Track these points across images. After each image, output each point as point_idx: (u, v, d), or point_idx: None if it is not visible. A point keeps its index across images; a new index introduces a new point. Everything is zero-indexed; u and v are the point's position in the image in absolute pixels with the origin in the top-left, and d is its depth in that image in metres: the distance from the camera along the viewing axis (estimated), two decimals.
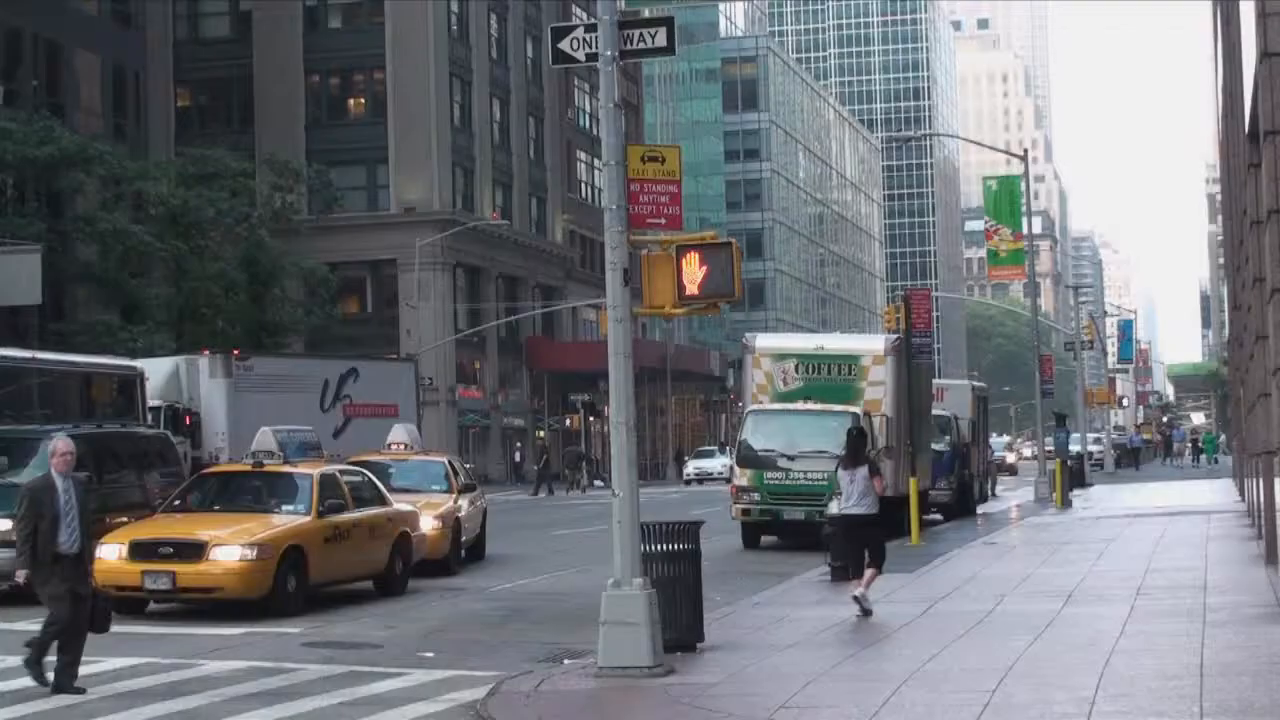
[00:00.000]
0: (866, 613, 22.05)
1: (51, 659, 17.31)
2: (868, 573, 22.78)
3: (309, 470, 27.31)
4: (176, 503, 27.29)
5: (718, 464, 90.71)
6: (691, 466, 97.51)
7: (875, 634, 20.71)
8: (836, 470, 24.30)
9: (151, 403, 48.39)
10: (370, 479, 29.17)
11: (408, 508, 29.38)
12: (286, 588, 24.66)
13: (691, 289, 18.75)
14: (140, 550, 24.44)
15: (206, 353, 52.79)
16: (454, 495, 33.36)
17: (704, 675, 17.54)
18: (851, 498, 23.42)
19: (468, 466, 43.48)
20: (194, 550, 24.31)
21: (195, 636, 22.11)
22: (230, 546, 24.31)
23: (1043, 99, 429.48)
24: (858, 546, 23.55)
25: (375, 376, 59.27)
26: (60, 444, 17.46)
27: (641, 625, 17.54)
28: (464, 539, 33.34)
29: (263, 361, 54.16)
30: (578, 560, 33.93)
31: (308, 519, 25.74)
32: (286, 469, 27.51)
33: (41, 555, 17.03)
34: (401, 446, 35.42)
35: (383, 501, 28.51)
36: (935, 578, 28.81)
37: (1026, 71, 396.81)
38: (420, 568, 29.89)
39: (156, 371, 49.85)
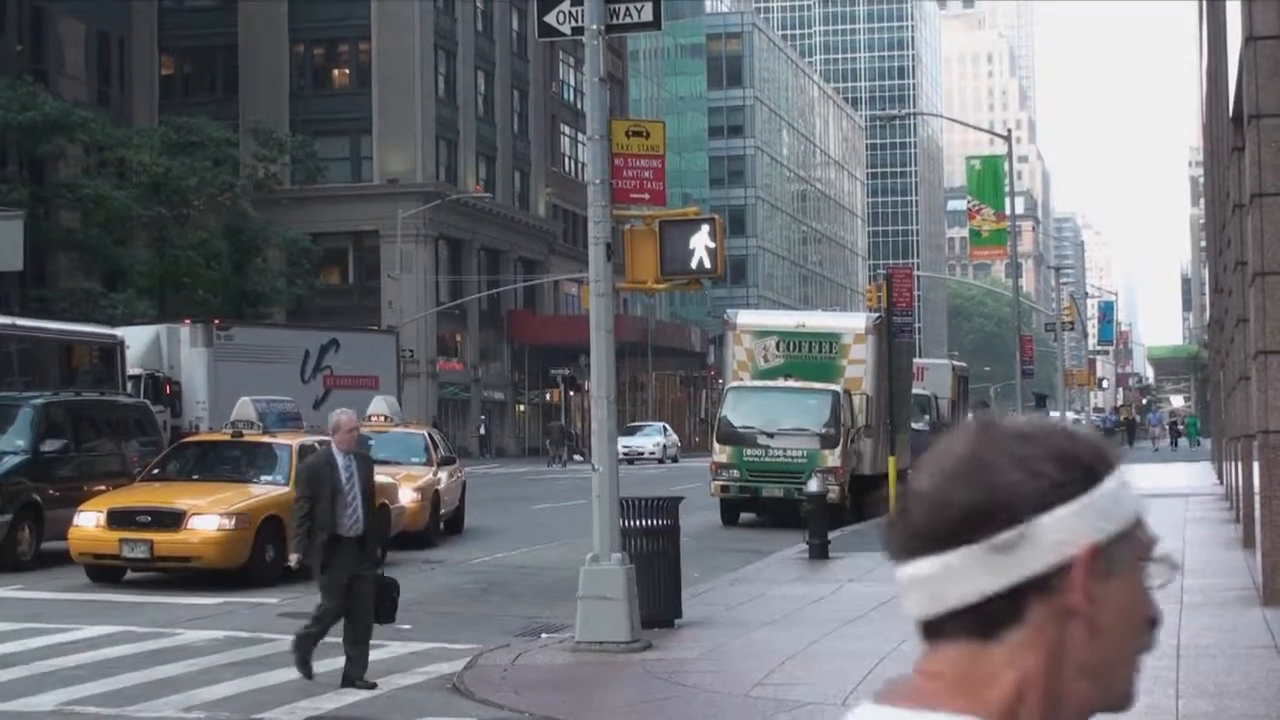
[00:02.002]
0: None
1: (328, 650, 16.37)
2: None
3: (288, 440, 27.14)
4: (155, 472, 27.17)
5: (650, 441, 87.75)
6: (619, 444, 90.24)
7: (853, 612, 20.73)
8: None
9: (132, 371, 48.30)
10: None
11: (386, 480, 28.85)
12: (264, 558, 24.54)
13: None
14: (118, 518, 24.37)
15: (188, 322, 52.65)
16: (433, 468, 33.40)
17: (682, 651, 17.55)
18: None
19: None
20: (172, 519, 24.26)
21: (173, 605, 22.10)
22: (208, 516, 24.29)
23: (1027, 79, 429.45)
24: None
25: (356, 348, 59.19)
26: (343, 419, 16.34)
27: (620, 600, 17.56)
28: (443, 511, 33.40)
29: (243, 331, 54.06)
30: (556, 535, 33.93)
31: (286, 489, 24.97)
32: (265, 439, 27.34)
33: (318, 537, 15.85)
34: (381, 418, 35.33)
35: None
36: None
37: (1011, 51, 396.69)
38: (399, 540, 29.91)
39: (137, 340, 49.77)
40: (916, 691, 2.03)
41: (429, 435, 35.58)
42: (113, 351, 44.03)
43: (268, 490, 25.67)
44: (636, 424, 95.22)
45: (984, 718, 1.94)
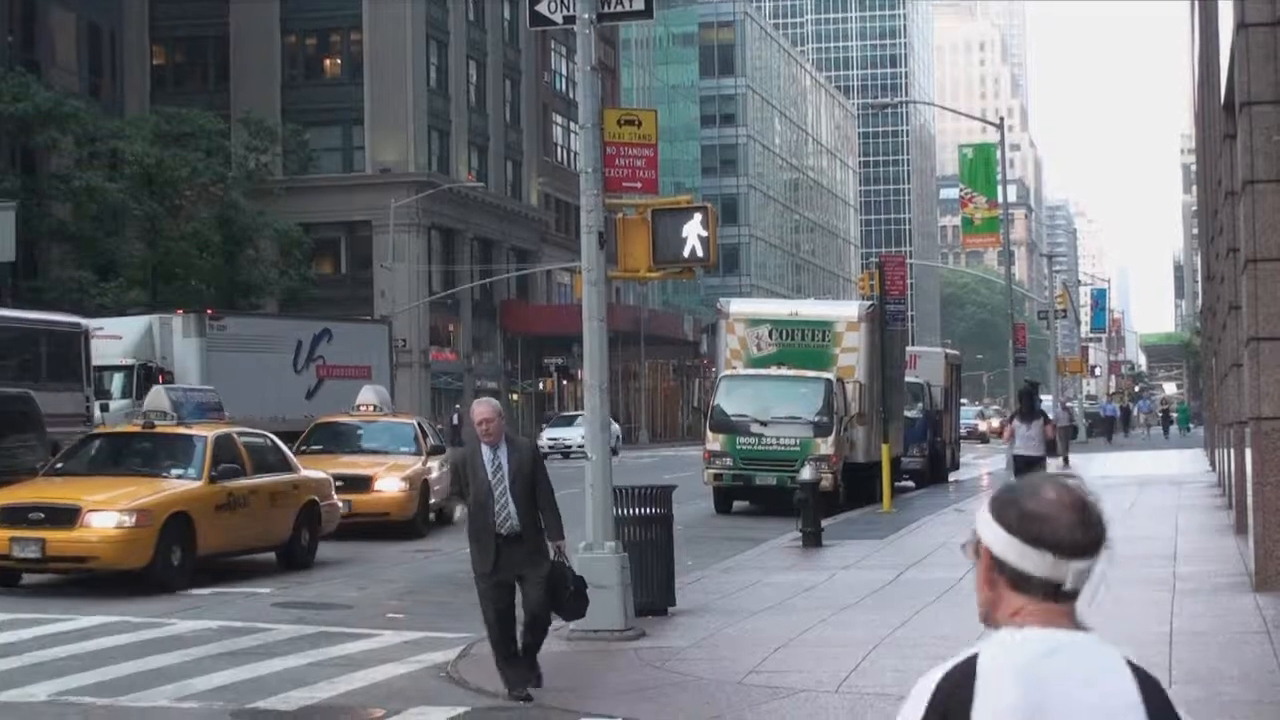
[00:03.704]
0: None
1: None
2: None
3: (202, 432, 25.15)
4: (59, 465, 25.40)
5: (579, 434, 76.06)
6: (545, 436, 77.57)
7: (846, 600, 20.74)
8: (1013, 419, 32.05)
9: (124, 361, 48.21)
10: (275, 443, 27.44)
11: (319, 474, 27.99)
12: (170, 558, 22.75)
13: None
14: (9, 515, 22.51)
15: (181, 312, 52.48)
16: (423, 457, 33.25)
17: (675, 639, 17.57)
18: (1030, 442, 30.30)
19: (439, 429, 43.35)
20: (66, 516, 22.32)
21: (168, 595, 22.07)
22: (106, 513, 22.41)
23: (1019, 67, 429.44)
24: None
25: (349, 337, 59.06)
26: (479, 409, 14.68)
27: (613, 589, 17.57)
28: (432, 501, 33.22)
29: (236, 321, 53.88)
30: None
31: (198, 484, 23.88)
32: (178, 430, 25.27)
33: (474, 538, 14.72)
34: (370, 408, 35.23)
35: (289, 467, 26.78)
36: (907, 544, 28.87)
37: (1003, 39, 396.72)
38: (388, 530, 30.36)
39: (130, 330, 49.68)
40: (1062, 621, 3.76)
41: (419, 425, 35.45)
42: (75, 340, 43.64)
43: (178, 485, 23.86)
44: (570, 413, 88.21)
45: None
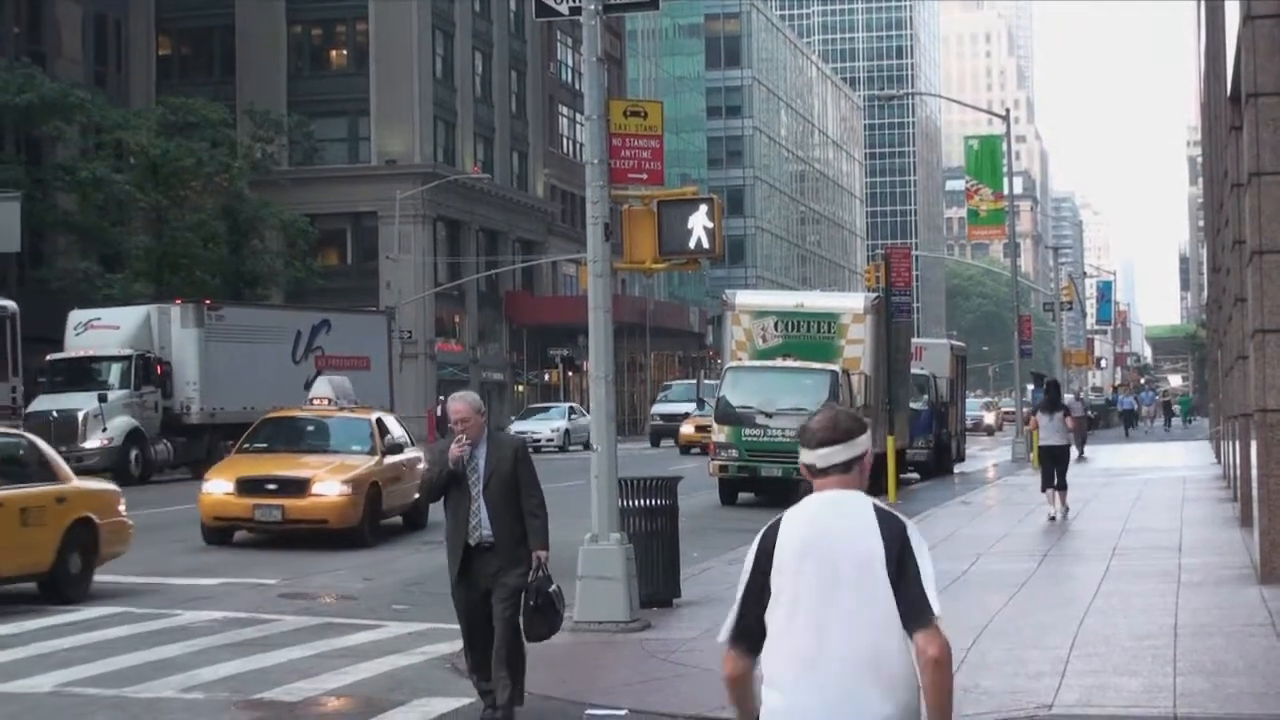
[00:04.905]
0: (1053, 517, 30.85)
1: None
2: (1059, 495, 31.39)
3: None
4: None
5: (548, 427, 75.67)
6: (512, 430, 70.83)
7: None
8: (1036, 411, 34.52)
9: (123, 352, 47.95)
10: (35, 447, 21.90)
11: (97, 485, 23.55)
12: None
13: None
14: None
15: (179, 301, 52.21)
16: (377, 457, 29.32)
17: (680, 630, 17.57)
18: (1054, 433, 32.38)
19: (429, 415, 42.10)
20: None
21: (172, 586, 22.10)
22: None
23: (1025, 59, 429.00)
24: (1051, 466, 31.74)
25: (348, 328, 58.65)
26: (455, 406, 13.07)
27: (618, 580, 17.58)
28: (387, 506, 29.50)
29: (234, 311, 53.44)
30: (554, 515, 33.55)
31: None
32: None
33: (448, 543, 13.24)
34: (325, 402, 32.22)
35: (53, 477, 21.28)
36: None
37: (1009, 31, 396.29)
38: (329, 539, 27.46)
39: (128, 320, 49.41)
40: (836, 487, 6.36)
41: (376, 421, 30.73)
42: (1, 325, 43.48)
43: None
44: (539, 405, 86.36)
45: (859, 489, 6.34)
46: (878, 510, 6.25)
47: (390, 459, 29.84)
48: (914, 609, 6.09)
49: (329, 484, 27.77)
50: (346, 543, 27.56)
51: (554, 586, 13.04)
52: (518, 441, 13.57)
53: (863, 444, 6.38)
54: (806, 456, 6.37)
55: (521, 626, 12.97)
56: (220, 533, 28.25)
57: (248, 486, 27.75)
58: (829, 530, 6.19)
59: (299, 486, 27.73)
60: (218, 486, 28.15)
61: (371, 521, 28.58)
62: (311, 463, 28.77)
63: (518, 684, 13.03)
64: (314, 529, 27.66)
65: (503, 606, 12.84)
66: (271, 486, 27.69)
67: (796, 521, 6.29)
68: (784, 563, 6.23)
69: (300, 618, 19.35)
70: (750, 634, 6.25)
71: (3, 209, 47.85)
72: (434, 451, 13.50)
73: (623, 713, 13.65)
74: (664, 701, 13.90)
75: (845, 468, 6.33)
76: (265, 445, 30.23)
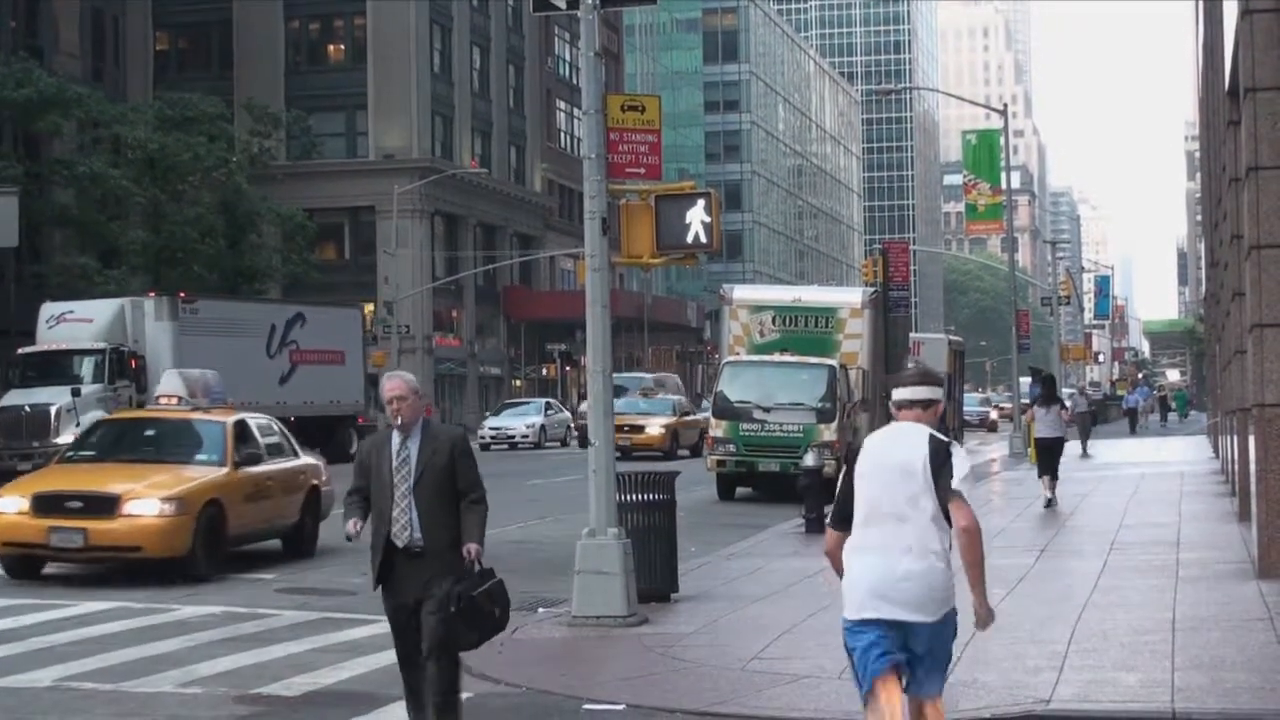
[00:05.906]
0: (1049, 502, 32.58)
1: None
2: (1053, 481, 33.02)
3: None
4: None
5: (523, 423, 71.77)
6: (487, 426, 72.29)
7: None
8: (1033, 405, 34.97)
9: (96, 345, 47.55)
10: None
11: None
12: None
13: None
14: None
15: (152, 294, 51.71)
16: (226, 469, 23.56)
17: (678, 625, 17.56)
18: (1049, 426, 33.60)
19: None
20: None
21: (170, 581, 22.06)
22: None
23: (1023, 54, 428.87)
24: (1048, 459, 33.01)
25: (322, 322, 58.25)
26: (388, 384, 11.63)
27: (616, 575, 17.57)
28: (240, 528, 23.69)
29: (209, 305, 52.73)
30: (551, 509, 33.88)
31: None
32: None
33: (374, 546, 11.62)
34: (175, 400, 25.70)
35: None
36: None
37: (1007, 26, 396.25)
38: (148, 567, 22.19)
39: (102, 313, 48.92)
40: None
41: (236, 425, 24.54)
42: None
43: None
44: (514, 400, 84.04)
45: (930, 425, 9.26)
46: (931, 436, 9.07)
47: (249, 470, 24.08)
48: (946, 491, 8.93)
49: (145, 502, 21.94)
50: (168, 574, 22.10)
51: (488, 585, 11.46)
52: (457, 433, 11.97)
53: (939, 394, 9.29)
54: (897, 394, 9.31)
55: (445, 635, 11.40)
56: (20, 562, 22.73)
57: (45, 505, 22.08)
58: (889, 449, 9.17)
59: (107, 505, 21.97)
60: (10, 505, 22.38)
61: (212, 548, 22.74)
62: (136, 474, 22.94)
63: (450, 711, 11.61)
64: (124, 558, 22.34)
65: (434, 620, 11.33)
66: (74, 505, 22.04)
67: (871, 442, 9.33)
68: (860, 472, 9.18)
69: (298, 612, 19.34)
70: (844, 519, 9.30)
71: (0, 204, 47.75)
72: (365, 444, 11.95)
73: (620, 708, 13.65)
74: (661, 696, 13.90)
75: (923, 405, 9.24)
76: (93, 453, 24.59)
